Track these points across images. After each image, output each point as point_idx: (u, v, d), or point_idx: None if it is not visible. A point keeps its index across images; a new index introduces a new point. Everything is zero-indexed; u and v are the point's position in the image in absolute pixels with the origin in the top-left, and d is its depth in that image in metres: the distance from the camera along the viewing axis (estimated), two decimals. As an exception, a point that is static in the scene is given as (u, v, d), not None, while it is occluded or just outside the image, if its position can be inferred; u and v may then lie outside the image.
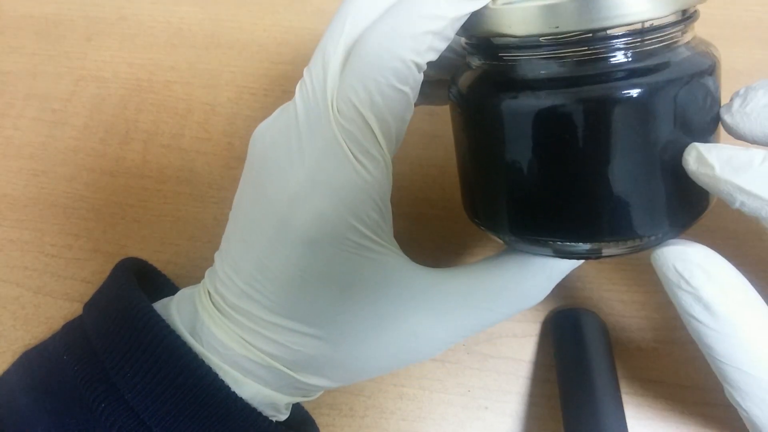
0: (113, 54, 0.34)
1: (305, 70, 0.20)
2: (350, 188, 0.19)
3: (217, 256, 0.22)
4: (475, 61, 0.20)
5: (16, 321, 0.30)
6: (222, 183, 0.32)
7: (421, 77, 0.19)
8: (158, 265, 0.29)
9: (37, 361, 0.22)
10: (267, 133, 0.21)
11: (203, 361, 0.20)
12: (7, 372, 0.23)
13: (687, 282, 0.18)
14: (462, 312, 0.21)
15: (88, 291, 0.25)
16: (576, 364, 0.27)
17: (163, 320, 0.21)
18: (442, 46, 0.18)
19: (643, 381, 0.29)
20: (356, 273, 0.20)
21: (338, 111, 0.18)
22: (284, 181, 0.19)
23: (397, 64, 0.18)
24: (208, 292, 0.22)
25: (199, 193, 0.32)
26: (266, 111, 0.34)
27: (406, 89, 0.18)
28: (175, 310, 0.22)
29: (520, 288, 0.21)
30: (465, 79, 0.20)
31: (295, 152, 0.19)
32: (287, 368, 0.20)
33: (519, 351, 0.29)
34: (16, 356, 0.23)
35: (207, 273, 0.23)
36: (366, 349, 0.20)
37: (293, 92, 0.20)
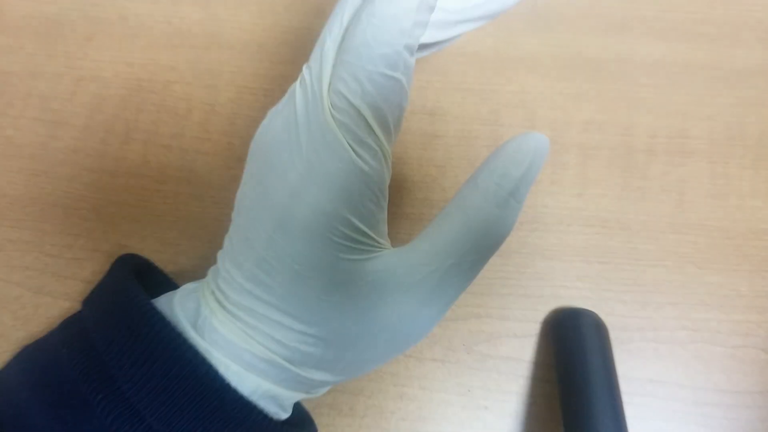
0: (113, 54, 0.34)
1: (304, 66, 0.20)
2: (347, 178, 0.19)
3: (219, 255, 0.22)
4: None
5: (17, 321, 0.30)
6: (222, 183, 0.32)
7: (412, 62, 0.19)
8: (158, 266, 0.29)
9: (36, 355, 0.22)
10: (268, 129, 0.21)
11: (198, 352, 0.20)
12: (6, 366, 0.23)
13: None
14: (432, 280, 0.20)
15: (88, 291, 0.25)
16: (576, 364, 0.27)
17: (159, 312, 0.21)
18: (427, 17, 0.18)
19: (643, 381, 0.29)
20: (348, 267, 0.20)
21: (331, 103, 0.19)
22: (284, 175, 0.19)
23: (386, 50, 0.18)
24: (212, 291, 0.22)
25: (199, 193, 0.32)
26: (266, 111, 0.34)
27: (398, 75, 0.18)
28: (179, 304, 0.22)
29: (468, 229, 0.20)
30: None
31: (294, 146, 0.19)
32: (287, 362, 0.20)
33: (519, 351, 0.29)
34: (16, 356, 0.23)
35: (210, 272, 0.23)
36: (359, 341, 0.20)
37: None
